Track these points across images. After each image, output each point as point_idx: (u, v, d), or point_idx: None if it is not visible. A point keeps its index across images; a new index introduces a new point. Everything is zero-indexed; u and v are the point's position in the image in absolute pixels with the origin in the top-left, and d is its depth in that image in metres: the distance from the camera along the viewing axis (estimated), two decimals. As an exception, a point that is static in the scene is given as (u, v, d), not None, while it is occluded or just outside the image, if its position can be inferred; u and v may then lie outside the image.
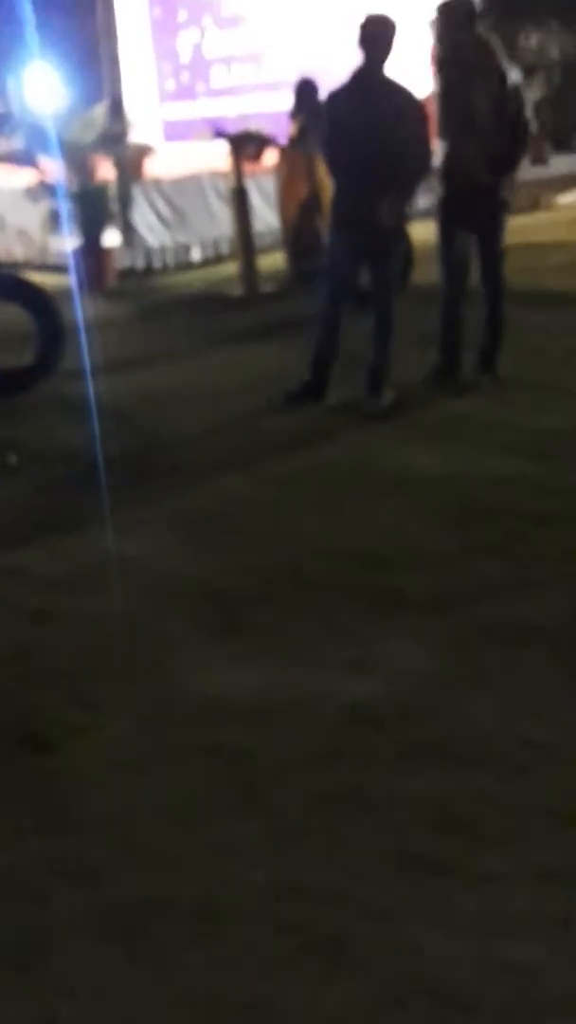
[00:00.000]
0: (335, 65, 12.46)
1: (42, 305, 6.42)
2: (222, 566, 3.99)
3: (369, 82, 5.41)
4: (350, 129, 5.37)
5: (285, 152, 8.88)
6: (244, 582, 3.86)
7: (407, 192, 5.50)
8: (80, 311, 7.86)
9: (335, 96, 5.54)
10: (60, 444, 5.35)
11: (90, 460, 4.92)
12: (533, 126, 5.69)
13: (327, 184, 6.34)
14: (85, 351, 6.78)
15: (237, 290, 8.77)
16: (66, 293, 8.79)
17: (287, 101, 9.31)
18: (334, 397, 5.77)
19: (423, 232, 6.29)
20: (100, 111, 9.65)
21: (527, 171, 12.97)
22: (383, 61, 5.39)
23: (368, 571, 3.89)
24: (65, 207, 9.33)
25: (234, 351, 7.10)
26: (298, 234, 8.78)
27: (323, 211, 7.46)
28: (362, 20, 5.52)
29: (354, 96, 5.42)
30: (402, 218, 5.52)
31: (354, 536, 4.18)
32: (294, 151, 8.73)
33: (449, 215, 5.71)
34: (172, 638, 3.50)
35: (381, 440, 5.23)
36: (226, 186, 9.82)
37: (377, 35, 5.40)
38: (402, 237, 5.74)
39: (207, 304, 8.64)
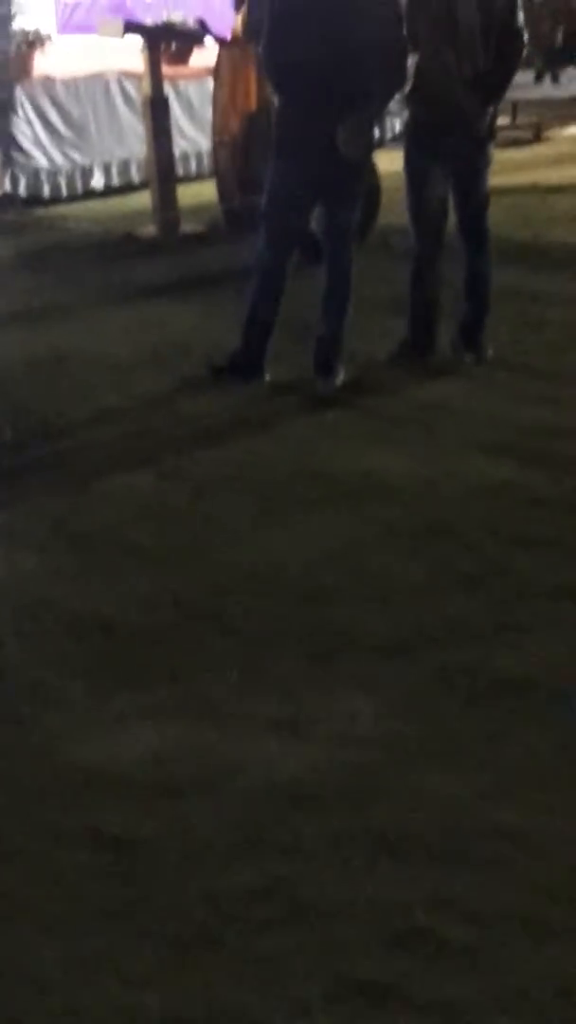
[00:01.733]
0: None
1: None
2: (114, 595, 3.99)
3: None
4: (302, 25, 5.38)
5: (224, 51, 8.89)
6: (142, 616, 3.87)
7: (375, 110, 5.55)
8: None
9: None
10: None
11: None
12: (526, 35, 5.78)
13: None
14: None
15: (150, 230, 8.80)
16: None
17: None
18: (272, 374, 5.81)
19: (394, 165, 6.36)
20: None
21: (528, 90, 13.25)
22: None
23: (307, 605, 3.92)
24: None
25: (143, 309, 7.13)
26: (235, 161, 8.83)
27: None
28: None
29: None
30: (368, 145, 5.57)
31: (291, 559, 4.20)
32: (237, 50, 8.76)
33: (420, 146, 5.77)
34: (45, 688, 3.49)
35: (331, 433, 5.27)
36: (140, 93, 9.85)
37: None
38: (367, 170, 5.80)
39: (110, 247, 8.67)
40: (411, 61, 5.61)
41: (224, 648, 3.69)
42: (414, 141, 5.78)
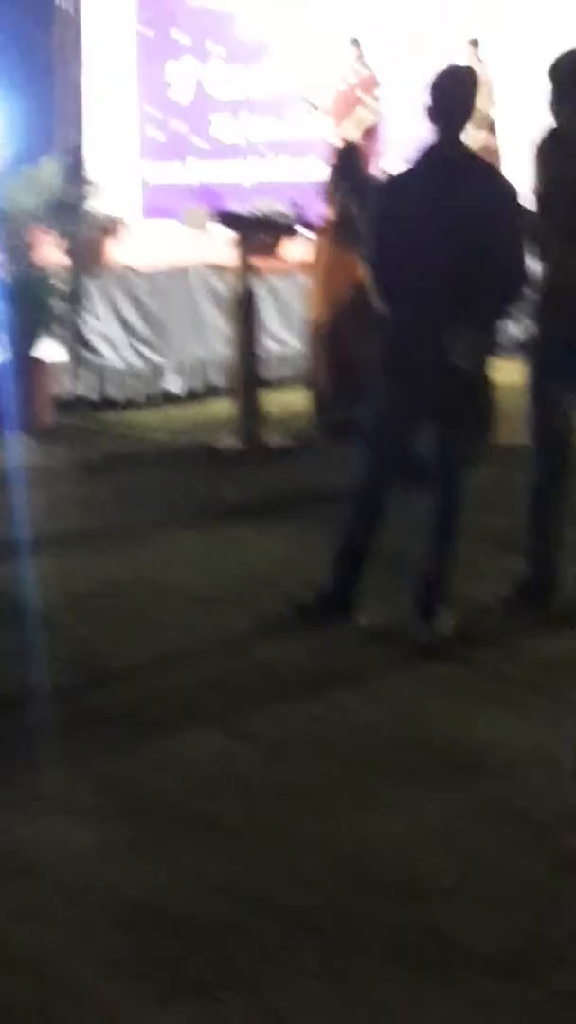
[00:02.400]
0: (393, 125, 13.15)
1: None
2: (174, 879, 3.91)
3: (443, 166, 5.55)
4: (414, 232, 5.50)
5: (319, 244, 9.14)
6: (207, 907, 3.77)
7: (492, 326, 5.61)
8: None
9: (392, 184, 5.71)
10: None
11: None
12: None
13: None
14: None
15: (231, 441, 8.91)
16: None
17: (320, 170, 9.68)
18: (365, 616, 5.78)
19: (511, 378, 6.41)
20: (50, 168, 9.99)
21: None
22: (460, 132, 5.59)
23: (403, 902, 3.80)
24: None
25: (220, 533, 7.17)
26: (332, 364, 8.99)
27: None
28: (433, 77, 5.68)
29: (421, 184, 5.57)
30: (483, 363, 5.63)
31: (385, 844, 4.09)
32: (332, 243, 9.00)
33: (547, 365, 5.81)
34: (90, 993, 3.40)
35: (433, 691, 5.19)
36: (227, 287, 10.10)
37: (455, 98, 5.57)
38: (482, 390, 5.82)
39: (185, 458, 8.78)
40: (534, 269, 5.69)
41: (304, 951, 3.58)
42: (541, 359, 5.83)
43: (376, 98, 12.61)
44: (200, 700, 5.16)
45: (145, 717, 5.01)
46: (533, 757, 4.67)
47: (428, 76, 5.63)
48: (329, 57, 12.95)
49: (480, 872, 3.97)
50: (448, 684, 5.27)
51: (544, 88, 5.76)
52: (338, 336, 9.01)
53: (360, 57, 12.78)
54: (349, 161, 9.11)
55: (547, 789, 4.47)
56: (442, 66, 5.82)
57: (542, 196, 5.71)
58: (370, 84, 12.69)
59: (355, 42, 12.82)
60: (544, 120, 5.80)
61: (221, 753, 4.71)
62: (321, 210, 9.97)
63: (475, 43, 12.33)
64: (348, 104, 12.68)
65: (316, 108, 12.99)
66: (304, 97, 13.17)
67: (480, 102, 5.86)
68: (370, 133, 12.56)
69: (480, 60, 12.09)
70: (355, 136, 12.31)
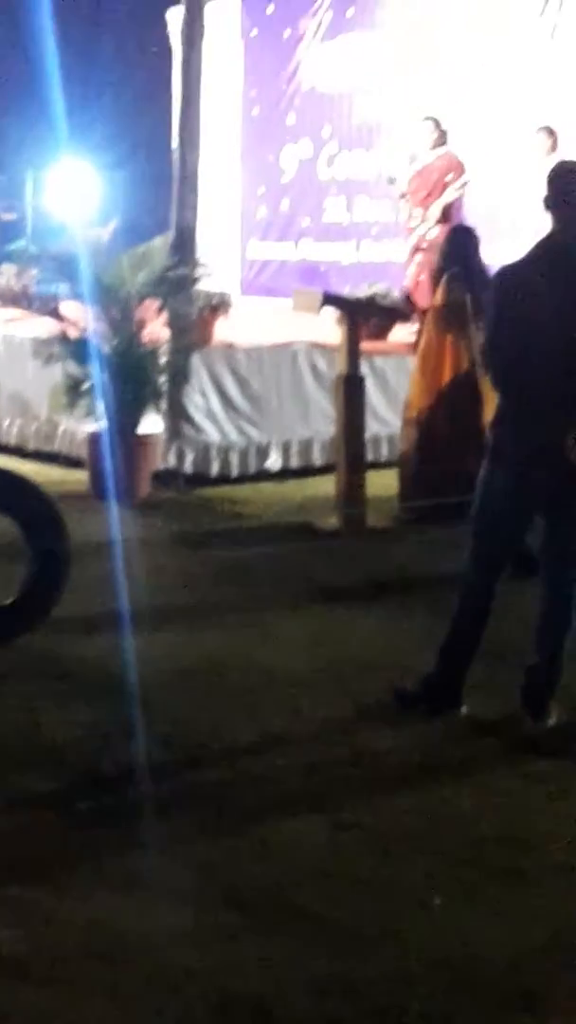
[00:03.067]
0: (510, 213, 13.10)
1: (38, 517, 6.51)
2: (275, 972, 3.80)
3: (564, 258, 5.47)
4: (531, 324, 5.41)
5: (424, 328, 9.09)
6: (308, 1002, 3.66)
7: None
8: (99, 530, 8.01)
9: (510, 273, 5.64)
10: (33, 743, 5.33)
11: (79, 772, 4.96)
12: None
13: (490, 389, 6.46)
14: (99, 594, 6.84)
15: (332, 521, 8.84)
16: (78, 500, 9.02)
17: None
18: (471, 707, 5.68)
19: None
20: (160, 244, 10.04)
21: None
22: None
23: (511, 1013, 3.68)
24: (92, 375, 9.61)
25: (320, 615, 7.11)
26: (421, 448, 8.91)
27: (479, 423, 7.56)
28: (553, 169, 5.67)
29: (540, 276, 5.47)
30: None
31: (492, 949, 3.96)
32: (436, 328, 8.95)
33: None
34: None
35: (542, 787, 5.06)
36: (329, 366, 10.07)
37: (572, 189, 5.53)
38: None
39: (285, 537, 8.71)
40: None
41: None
42: None
43: (459, 178, 12.47)
44: (301, 787, 5.07)
45: (245, 801, 4.93)
46: None
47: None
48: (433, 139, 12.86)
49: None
50: (555, 780, 5.13)
51: None
52: (432, 421, 8.93)
53: (438, 137, 12.62)
54: (458, 245, 9.05)
55: None
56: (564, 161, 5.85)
57: None
58: (452, 164, 12.57)
59: (433, 121, 12.74)
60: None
61: (324, 844, 4.61)
62: (426, 293, 9.97)
63: (550, 131, 12.26)
64: (426, 183, 12.62)
65: (395, 182, 12.86)
66: (388, 176, 13.08)
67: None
68: (447, 213, 12.47)
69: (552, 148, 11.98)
70: (438, 215, 12.37)
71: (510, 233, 11.48)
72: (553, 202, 5.55)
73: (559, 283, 5.44)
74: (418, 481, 9.03)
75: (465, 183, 12.42)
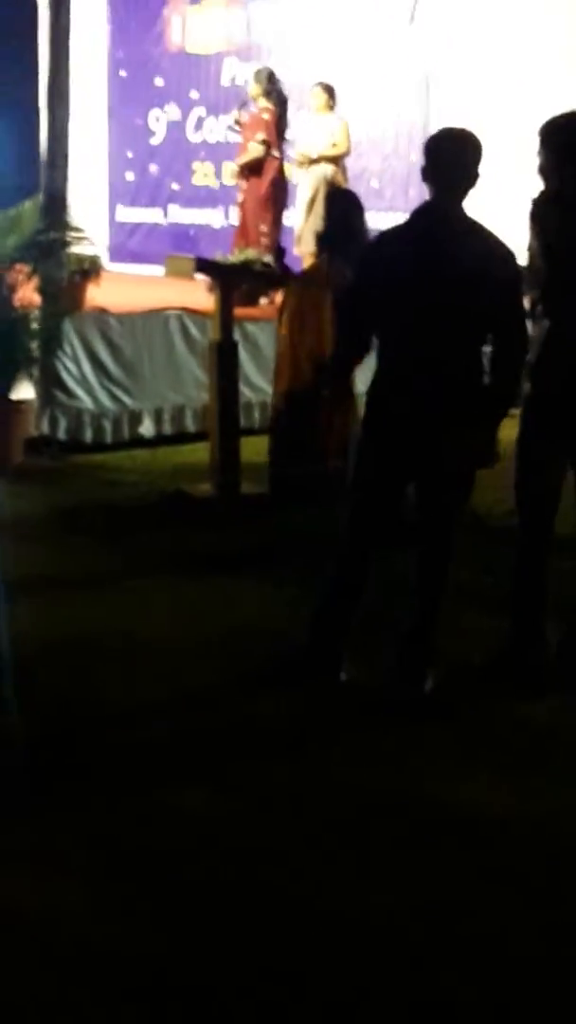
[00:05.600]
0: (388, 174, 13.17)
1: None
2: (172, 944, 3.86)
3: (437, 227, 5.49)
4: (401, 289, 5.45)
5: (293, 287, 9.01)
6: (208, 971, 3.72)
7: (496, 413, 5.51)
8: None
9: (382, 242, 5.66)
10: None
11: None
12: None
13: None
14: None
15: (205, 488, 8.83)
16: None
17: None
18: (347, 672, 5.73)
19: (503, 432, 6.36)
20: (30, 208, 9.92)
21: None
22: (461, 197, 5.51)
23: (409, 972, 3.77)
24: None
25: (196, 584, 7.09)
26: (294, 418, 8.83)
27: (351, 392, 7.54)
28: (430, 138, 5.68)
29: (413, 245, 5.49)
30: (489, 452, 5.56)
31: (376, 914, 4.04)
32: (308, 287, 8.86)
33: (538, 425, 5.74)
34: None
35: (416, 752, 5.15)
36: (201, 333, 10.04)
37: (452, 159, 5.51)
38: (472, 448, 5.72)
39: (159, 505, 8.65)
40: (534, 331, 5.65)
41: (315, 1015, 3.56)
42: (532, 419, 5.76)
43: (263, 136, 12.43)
44: (181, 755, 5.10)
45: (126, 771, 4.94)
46: (518, 823, 4.62)
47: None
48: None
49: (482, 943, 3.93)
50: (427, 745, 5.22)
51: (537, 150, 5.73)
52: (302, 387, 8.80)
53: (270, 92, 12.55)
54: (341, 210, 8.95)
55: (540, 851, 4.45)
56: (441, 129, 5.84)
57: (545, 248, 5.66)
58: (260, 124, 12.51)
59: (266, 74, 12.64)
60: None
61: (206, 811, 4.64)
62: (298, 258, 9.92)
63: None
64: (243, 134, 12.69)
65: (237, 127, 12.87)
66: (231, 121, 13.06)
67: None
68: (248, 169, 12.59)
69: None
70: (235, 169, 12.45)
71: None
72: (429, 169, 5.53)
73: (432, 252, 5.43)
74: (289, 448, 8.94)
75: (264, 141, 12.35)
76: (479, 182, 5.50)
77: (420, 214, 5.60)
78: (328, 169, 12.29)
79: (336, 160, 12.48)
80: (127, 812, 4.60)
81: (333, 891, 4.17)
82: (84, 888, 4.13)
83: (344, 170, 12.56)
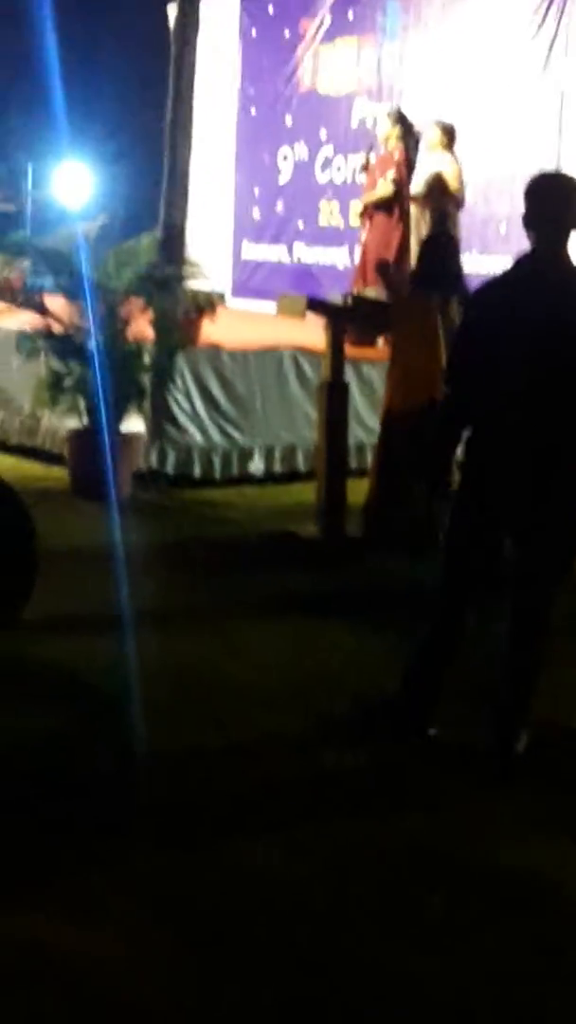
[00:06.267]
0: (516, 220, 12.90)
1: (7, 515, 6.42)
2: (221, 1009, 3.70)
3: (541, 278, 5.29)
4: (495, 345, 5.27)
5: (404, 318, 8.85)
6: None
7: None
8: (77, 530, 7.90)
9: (483, 294, 5.49)
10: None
11: (30, 780, 4.85)
12: None
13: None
14: (71, 596, 6.73)
15: (311, 529, 8.71)
16: (54, 497, 8.90)
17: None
18: (437, 729, 5.56)
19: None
20: (148, 241, 9.92)
21: None
22: (565, 242, 5.34)
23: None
24: (75, 371, 9.50)
25: (292, 625, 7.01)
26: (387, 463, 8.64)
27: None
28: (529, 184, 5.45)
29: (515, 297, 5.30)
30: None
31: (440, 988, 3.87)
32: (408, 335, 8.72)
33: None
34: None
35: (504, 819, 4.95)
36: (315, 371, 9.93)
37: (557, 204, 5.34)
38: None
39: (262, 545, 8.57)
40: None
41: None
42: None
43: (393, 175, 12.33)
44: (258, 805, 4.95)
45: (199, 819, 4.81)
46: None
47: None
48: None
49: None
50: (520, 812, 5.02)
51: None
52: (402, 431, 8.60)
53: (402, 133, 12.49)
54: (434, 251, 8.84)
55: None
56: (541, 172, 5.68)
57: None
58: (389, 163, 12.43)
59: (397, 115, 12.63)
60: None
61: (266, 867, 4.48)
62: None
63: None
64: (372, 173, 12.63)
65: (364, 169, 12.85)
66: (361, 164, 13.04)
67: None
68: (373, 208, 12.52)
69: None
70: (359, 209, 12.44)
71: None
72: (530, 219, 5.36)
73: (536, 305, 5.24)
74: (382, 497, 8.77)
75: (395, 180, 12.25)
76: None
77: (522, 266, 5.41)
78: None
79: (447, 199, 12.24)
80: (186, 864, 4.45)
81: (393, 966, 3.98)
82: (126, 939, 3.99)
83: (455, 209, 12.31)
